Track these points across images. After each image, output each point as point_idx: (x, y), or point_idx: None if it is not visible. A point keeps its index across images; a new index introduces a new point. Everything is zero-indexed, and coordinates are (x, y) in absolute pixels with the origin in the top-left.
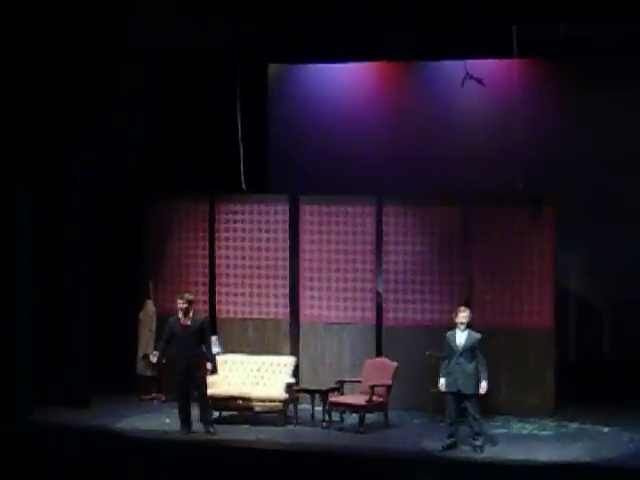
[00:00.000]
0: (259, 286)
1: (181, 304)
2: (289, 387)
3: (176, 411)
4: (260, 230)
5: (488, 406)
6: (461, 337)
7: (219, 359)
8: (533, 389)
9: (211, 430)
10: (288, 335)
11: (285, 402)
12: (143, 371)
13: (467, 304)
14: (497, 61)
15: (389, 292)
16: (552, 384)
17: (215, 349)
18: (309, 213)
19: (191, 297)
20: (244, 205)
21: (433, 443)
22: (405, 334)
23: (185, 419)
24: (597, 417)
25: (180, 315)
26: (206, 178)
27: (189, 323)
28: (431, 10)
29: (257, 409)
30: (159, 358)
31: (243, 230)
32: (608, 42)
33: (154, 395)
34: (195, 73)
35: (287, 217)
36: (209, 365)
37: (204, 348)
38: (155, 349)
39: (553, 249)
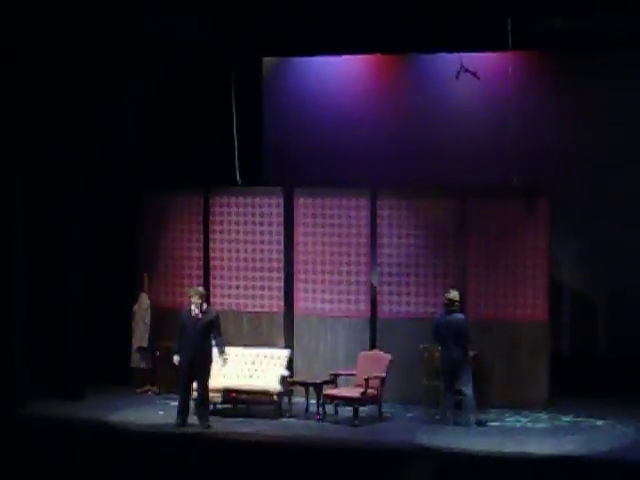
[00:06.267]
0: (253, 279)
1: (195, 298)
2: (283, 380)
3: (170, 403)
4: (254, 223)
5: (482, 399)
6: None
7: (214, 351)
8: (527, 382)
9: (206, 424)
10: (282, 328)
11: (279, 395)
12: (137, 364)
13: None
14: (492, 54)
15: (383, 285)
16: (546, 377)
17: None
18: (303, 206)
19: (203, 291)
20: (238, 198)
21: (427, 435)
22: (399, 327)
23: (182, 411)
24: (591, 410)
25: (192, 308)
26: (201, 171)
27: (200, 317)
28: (426, 2)
29: (251, 402)
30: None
31: (237, 223)
32: (604, 35)
33: (148, 388)
34: (190, 66)
35: (281, 210)
36: (222, 359)
37: (214, 342)
38: (173, 352)
39: (548, 242)
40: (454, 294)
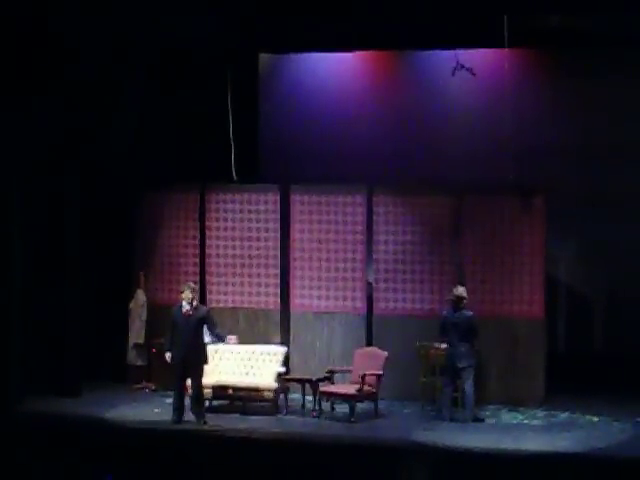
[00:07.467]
0: (250, 275)
1: (187, 294)
2: (279, 376)
3: (166, 400)
4: (251, 220)
5: (478, 396)
6: None
7: (210, 348)
8: (523, 379)
9: (202, 420)
10: (278, 324)
11: (276, 391)
12: (133, 360)
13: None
14: (488, 51)
15: (379, 282)
16: (542, 374)
17: (207, 339)
18: (300, 203)
19: (195, 286)
20: (235, 195)
21: (423, 432)
22: (395, 324)
23: (178, 408)
24: (587, 407)
25: (184, 304)
26: (197, 168)
27: (191, 313)
28: None
29: (248, 398)
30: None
31: (234, 220)
32: (601, 32)
33: (144, 384)
34: (185, 63)
35: (278, 207)
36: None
37: (209, 338)
38: (165, 349)
39: (544, 239)
40: (461, 290)
